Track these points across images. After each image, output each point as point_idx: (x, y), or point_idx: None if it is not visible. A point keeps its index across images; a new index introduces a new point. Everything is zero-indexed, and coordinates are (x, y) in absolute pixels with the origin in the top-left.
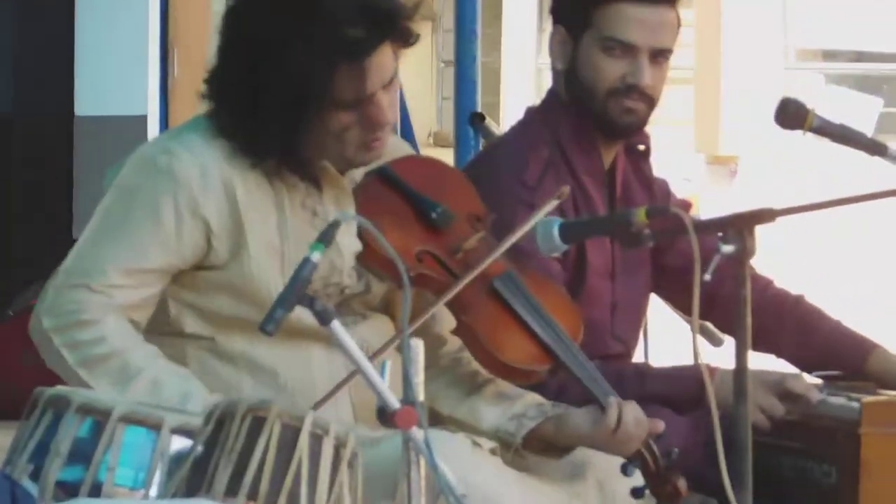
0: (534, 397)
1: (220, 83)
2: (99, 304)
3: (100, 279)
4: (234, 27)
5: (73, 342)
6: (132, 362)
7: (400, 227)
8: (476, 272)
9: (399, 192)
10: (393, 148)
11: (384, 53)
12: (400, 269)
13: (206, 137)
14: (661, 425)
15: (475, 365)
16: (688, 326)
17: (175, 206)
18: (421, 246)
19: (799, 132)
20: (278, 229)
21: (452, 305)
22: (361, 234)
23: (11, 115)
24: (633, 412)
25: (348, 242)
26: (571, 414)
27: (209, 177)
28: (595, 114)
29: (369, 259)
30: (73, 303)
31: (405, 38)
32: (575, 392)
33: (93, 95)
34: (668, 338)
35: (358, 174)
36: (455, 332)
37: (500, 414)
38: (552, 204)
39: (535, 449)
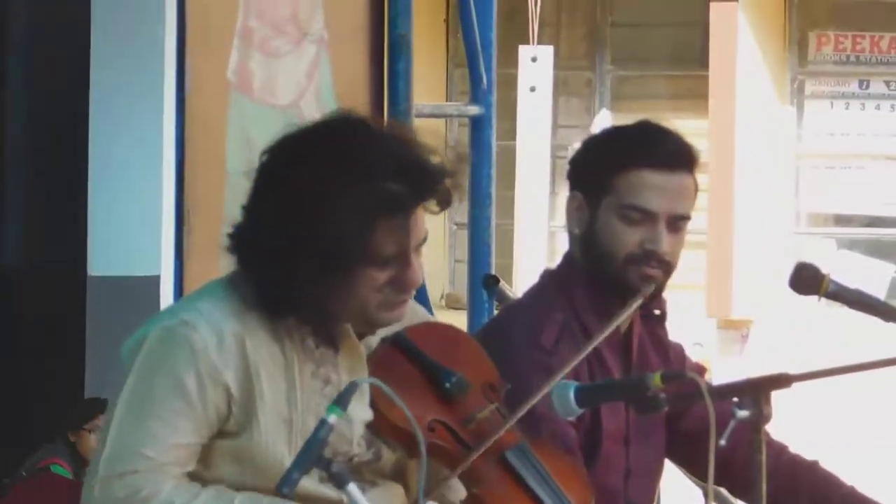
0: None
1: (249, 238)
2: (151, 479)
3: (143, 462)
4: (269, 182)
5: None
6: None
7: (412, 396)
8: (489, 443)
9: (414, 360)
10: (410, 312)
11: (420, 213)
12: (419, 438)
13: (219, 305)
14: None
15: None
16: (701, 492)
17: (197, 377)
18: (433, 416)
19: (813, 297)
20: (287, 397)
21: (463, 476)
22: (373, 402)
23: (21, 269)
24: None
25: (360, 411)
26: None
27: (225, 344)
28: (612, 279)
29: (380, 427)
30: (124, 488)
31: (441, 199)
32: None
33: (106, 255)
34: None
35: (373, 340)
36: (465, 503)
37: None
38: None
39: None
